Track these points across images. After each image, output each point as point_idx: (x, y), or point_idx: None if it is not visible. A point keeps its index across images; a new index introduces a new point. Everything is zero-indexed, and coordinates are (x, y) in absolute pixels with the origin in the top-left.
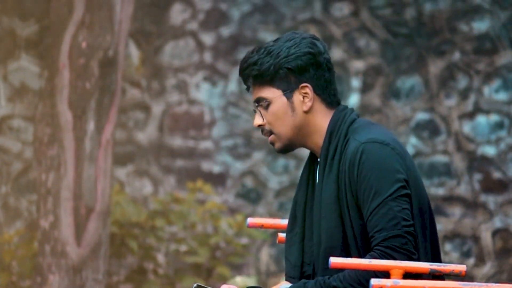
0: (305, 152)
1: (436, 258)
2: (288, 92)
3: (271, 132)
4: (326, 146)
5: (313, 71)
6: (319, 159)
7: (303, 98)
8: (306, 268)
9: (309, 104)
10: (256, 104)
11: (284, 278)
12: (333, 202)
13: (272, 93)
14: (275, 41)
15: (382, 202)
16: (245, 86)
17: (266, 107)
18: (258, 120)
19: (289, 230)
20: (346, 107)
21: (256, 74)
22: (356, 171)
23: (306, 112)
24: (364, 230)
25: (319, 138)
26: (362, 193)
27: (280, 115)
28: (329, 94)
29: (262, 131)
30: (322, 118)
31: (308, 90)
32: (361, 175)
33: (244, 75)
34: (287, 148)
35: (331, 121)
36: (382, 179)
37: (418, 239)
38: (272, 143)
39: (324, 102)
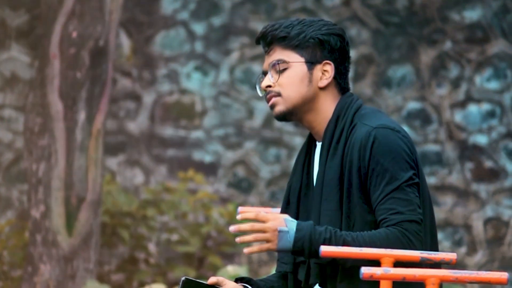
0: (296, 142)
1: (434, 247)
2: (311, 63)
3: (277, 95)
4: (332, 129)
5: (338, 53)
6: (320, 142)
7: (322, 74)
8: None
9: (326, 82)
10: (272, 65)
11: (275, 268)
12: (335, 185)
13: (294, 58)
14: (307, 18)
15: (398, 186)
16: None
17: (282, 71)
18: (267, 81)
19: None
20: (352, 93)
21: (284, 36)
22: (369, 155)
23: (320, 88)
24: (364, 215)
25: (322, 119)
26: (376, 176)
27: (296, 81)
28: (344, 82)
29: (267, 94)
30: (332, 101)
31: (330, 68)
32: (374, 158)
33: (269, 35)
34: (287, 114)
35: (339, 104)
36: (397, 164)
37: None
38: (273, 106)
39: (338, 86)
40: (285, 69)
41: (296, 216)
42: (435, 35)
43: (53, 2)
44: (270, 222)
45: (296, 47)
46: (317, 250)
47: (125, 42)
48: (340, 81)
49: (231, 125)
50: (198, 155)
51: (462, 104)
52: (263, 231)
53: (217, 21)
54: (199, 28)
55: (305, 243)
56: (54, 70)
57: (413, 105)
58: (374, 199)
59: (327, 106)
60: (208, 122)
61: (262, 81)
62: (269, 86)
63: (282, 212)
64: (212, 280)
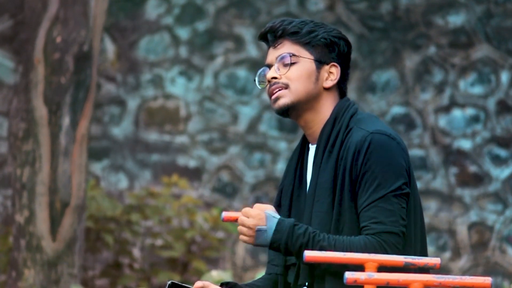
0: (281, 147)
1: (424, 253)
2: (319, 62)
3: (285, 87)
4: (328, 131)
5: (344, 58)
6: (314, 145)
7: (328, 75)
8: (289, 256)
9: (331, 83)
10: (281, 57)
11: (260, 273)
12: (328, 188)
13: (303, 54)
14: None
15: (384, 196)
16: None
17: (291, 64)
18: (273, 73)
19: None
20: (349, 98)
21: (296, 31)
22: (362, 159)
23: (325, 88)
24: (353, 219)
25: (319, 120)
26: (364, 182)
27: (304, 76)
28: (345, 86)
29: (271, 86)
30: (331, 103)
31: (335, 71)
32: (367, 164)
33: (280, 29)
34: (290, 108)
35: (337, 106)
36: (387, 172)
37: (412, 234)
38: (277, 98)
39: (338, 90)
40: (294, 63)
41: None
42: (419, 40)
43: (37, 7)
44: (251, 220)
45: (306, 44)
46: (292, 252)
47: (110, 47)
48: (342, 85)
49: (216, 130)
50: (182, 160)
51: (446, 109)
52: (243, 225)
53: (201, 26)
54: (183, 33)
55: (281, 245)
56: (38, 75)
57: (397, 110)
58: (359, 204)
59: (327, 107)
60: (193, 127)
61: (266, 73)
62: (275, 77)
63: None
64: (197, 284)
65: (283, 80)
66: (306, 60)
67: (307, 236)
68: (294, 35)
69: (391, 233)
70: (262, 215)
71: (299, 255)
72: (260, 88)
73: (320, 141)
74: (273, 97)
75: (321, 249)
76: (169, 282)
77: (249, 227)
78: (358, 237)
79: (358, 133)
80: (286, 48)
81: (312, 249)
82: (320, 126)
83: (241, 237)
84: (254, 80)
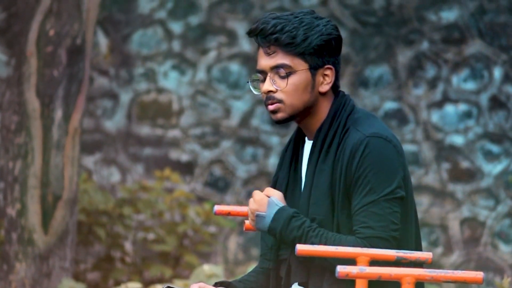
0: (273, 141)
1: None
2: (314, 69)
3: (279, 101)
4: (326, 131)
5: (337, 56)
6: (310, 140)
7: (323, 78)
8: (282, 251)
9: (327, 87)
10: (275, 69)
11: (251, 267)
12: (326, 191)
13: (298, 65)
14: (301, 14)
15: (375, 200)
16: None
17: (286, 76)
18: (268, 86)
19: None
20: (345, 93)
21: (289, 42)
22: (356, 163)
23: (321, 93)
24: (348, 220)
25: (317, 120)
26: (358, 186)
27: (300, 88)
28: (338, 82)
29: (267, 99)
30: (328, 102)
31: (330, 73)
32: (361, 168)
33: (273, 38)
34: (288, 120)
35: (333, 106)
36: (381, 177)
37: (407, 235)
38: (275, 112)
39: (333, 88)
40: (290, 74)
41: None
42: (412, 36)
43: (30, 0)
44: (253, 204)
45: (301, 54)
46: (287, 243)
47: (102, 41)
48: (336, 83)
49: (208, 124)
50: (174, 154)
51: (439, 105)
52: (249, 208)
53: (194, 20)
54: (176, 27)
55: (277, 234)
56: (31, 68)
57: (390, 105)
58: (352, 208)
59: (324, 108)
60: (185, 121)
61: (259, 81)
62: (271, 91)
63: None
64: (193, 287)
65: (279, 95)
66: (301, 70)
67: (301, 230)
68: (289, 46)
69: (380, 238)
70: (264, 200)
71: (293, 246)
72: (256, 93)
73: (317, 140)
74: (270, 109)
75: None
76: (164, 286)
77: (251, 210)
78: (350, 237)
79: (355, 135)
80: (280, 58)
81: (304, 244)
82: (317, 125)
83: (249, 219)
84: (248, 82)
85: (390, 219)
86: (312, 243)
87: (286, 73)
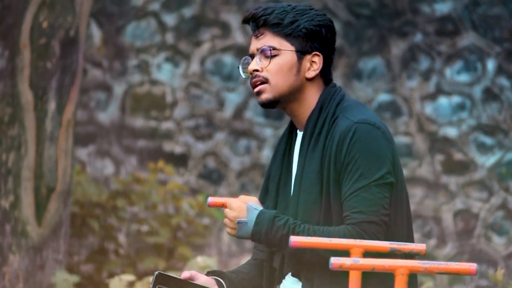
0: (266, 133)
1: (410, 241)
2: (301, 53)
3: (264, 81)
4: (315, 120)
5: (327, 45)
6: (301, 132)
7: (310, 65)
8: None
9: (313, 73)
10: (261, 50)
11: (245, 259)
12: (315, 178)
13: (285, 46)
14: (298, 4)
15: (366, 185)
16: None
17: (272, 57)
18: (254, 65)
19: (260, 202)
20: (335, 84)
21: (277, 22)
22: (346, 149)
23: (308, 79)
24: (341, 208)
25: (305, 109)
26: (348, 172)
27: (285, 69)
28: (329, 73)
29: (253, 78)
30: (316, 91)
31: (318, 60)
32: (350, 154)
33: (261, 19)
34: (272, 102)
35: (322, 94)
36: (370, 162)
37: (398, 222)
38: (259, 93)
39: (323, 77)
40: (275, 56)
41: (274, 205)
42: (405, 28)
43: None
44: (232, 212)
45: (288, 36)
46: (274, 244)
47: (96, 33)
48: (325, 73)
49: (202, 116)
50: (168, 146)
51: (432, 97)
52: (227, 217)
53: (188, 12)
54: (170, 19)
55: (262, 237)
56: (24, 60)
57: (383, 97)
58: (342, 194)
59: (312, 96)
60: (179, 113)
61: (248, 64)
62: (257, 70)
63: (261, 200)
64: (185, 274)
65: (264, 73)
66: (287, 52)
67: (287, 227)
68: (275, 27)
69: (371, 222)
70: (243, 207)
71: (280, 246)
72: (244, 77)
73: (307, 129)
74: (255, 90)
75: None
76: (156, 273)
77: (231, 219)
78: (339, 227)
79: (343, 122)
80: (267, 39)
81: None
82: (306, 114)
83: (226, 229)
84: (238, 67)
85: (381, 203)
86: None
87: (271, 54)
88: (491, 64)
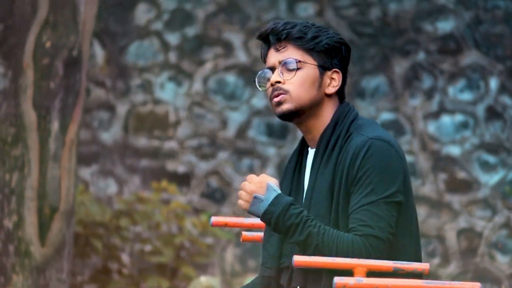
0: (269, 152)
1: (419, 258)
2: (322, 68)
3: (286, 92)
4: (328, 136)
5: (345, 63)
6: (313, 149)
7: (330, 81)
8: (284, 259)
9: (333, 89)
10: (284, 62)
11: (248, 279)
12: (326, 192)
13: (308, 60)
14: (313, 22)
15: (375, 201)
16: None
17: (294, 70)
18: (276, 77)
19: None
20: (349, 103)
21: (300, 36)
22: (359, 163)
23: (327, 95)
24: (347, 221)
25: (320, 125)
26: (359, 186)
27: (308, 83)
28: (344, 91)
29: (274, 90)
30: (332, 109)
31: (337, 77)
32: (363, 168)
33: (284, 32)
34: (293, 113)
35: (337, 111)
36: (382, 179)
37: (407, 241)
38: (280, 103)
39: (338, 95)
40: (299, 68)
41: None
42: (408, 46)
43: (26, 11)
44: (251, 185)
45: (310, 50)
46: (281, 229)
47: (99, 52)
48: (341, 90)
49: (205, 135)
50: (171, 166)
51: (435, 115)
52: (243, 189)
53: (190, 31)
54: (173, 38)
55: (273, 219)
56: (28, 80)
57: (386, 116)
58: (350, 207)
59: (328, 112)
60: (182, 133)
61: (267, 75)
62: (278, 82)
63: None
64: None
65: (286, 86)
66: (310, 66)
67: (300, 217)
68: (298, 40)
69: (378, 237)
70: (263, 183)
71: (286, 233)
72: (260, 90)
73: (320, 145)
74: (275, 100)
75: (309, 234)
76: None
77: (247, 192)
78: (347, 234)
79: (358, 138)
80: (290, 52)
81: (301, 232)
82: (320, 131)
83: (239, 201)
84: (254, 81)
85: (388, 221)
86: (310, 232)
87: (295, 67)
88: (493, 83)
